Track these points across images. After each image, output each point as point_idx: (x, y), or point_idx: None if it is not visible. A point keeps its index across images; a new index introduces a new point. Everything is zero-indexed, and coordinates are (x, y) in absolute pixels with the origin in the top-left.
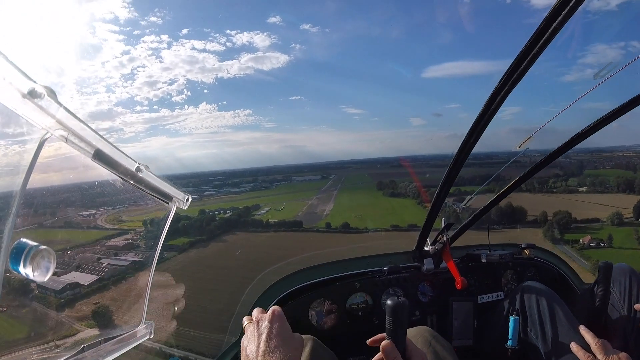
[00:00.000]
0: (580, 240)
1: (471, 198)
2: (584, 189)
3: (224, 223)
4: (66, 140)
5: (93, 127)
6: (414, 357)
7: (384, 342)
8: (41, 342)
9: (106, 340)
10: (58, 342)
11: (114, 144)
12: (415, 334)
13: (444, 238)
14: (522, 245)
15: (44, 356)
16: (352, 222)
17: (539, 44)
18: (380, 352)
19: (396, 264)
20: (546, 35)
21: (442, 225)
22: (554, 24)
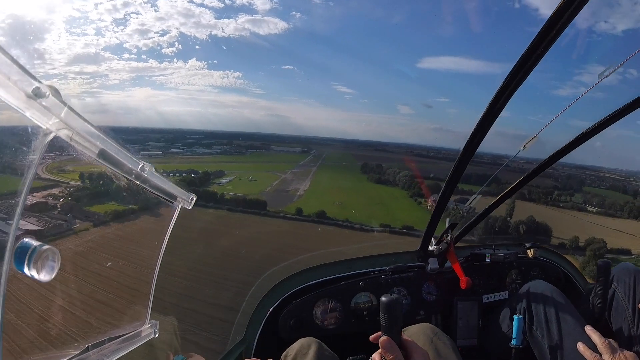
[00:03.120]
0: None
1: (474, 199)
2: (593, 210)
3: None
4: (71, 139)
5: (83, 71)
6: (414, 353)
7: (382, 338)
8: (46, 341)
9: (110, 339)
10: (62, 341)
11: (119, 144)
12: (417, 331)
13: (449, 238)
14: (527, 245)
15: (49, 355)
16: (330, 210)
17: (543, 44)
18: (380, 349)
19: (400, 264)
20: (551, 35)
21: (447, 225)
22: (558, 24)
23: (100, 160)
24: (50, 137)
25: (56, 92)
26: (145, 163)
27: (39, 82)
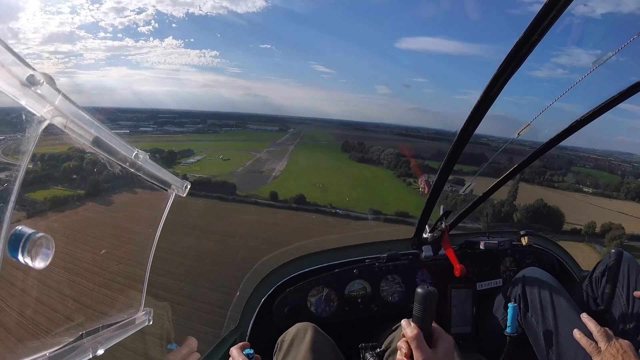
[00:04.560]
0: None
1: (469, 185)
2: (589, 190)
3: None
4: (65, 127)
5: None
6: (440, 341)
7: (403, 321)
8: (39, 329)
9: (104, 327)
10: (56, 329)
11: (113, 132)
12: None
13: (443, 225)
14: (521, 232)
15: (43, 342)
16: (310, 193)
17: (538, 31)
18: (404, 337)
19: (395, 251)
20: (545, 23)
21: (441, 213)
22: (553, 12)
23: (94, 148)
24: (45, 124)
25: (50, 80)
26: (140, 151)
27: (33, 69)
